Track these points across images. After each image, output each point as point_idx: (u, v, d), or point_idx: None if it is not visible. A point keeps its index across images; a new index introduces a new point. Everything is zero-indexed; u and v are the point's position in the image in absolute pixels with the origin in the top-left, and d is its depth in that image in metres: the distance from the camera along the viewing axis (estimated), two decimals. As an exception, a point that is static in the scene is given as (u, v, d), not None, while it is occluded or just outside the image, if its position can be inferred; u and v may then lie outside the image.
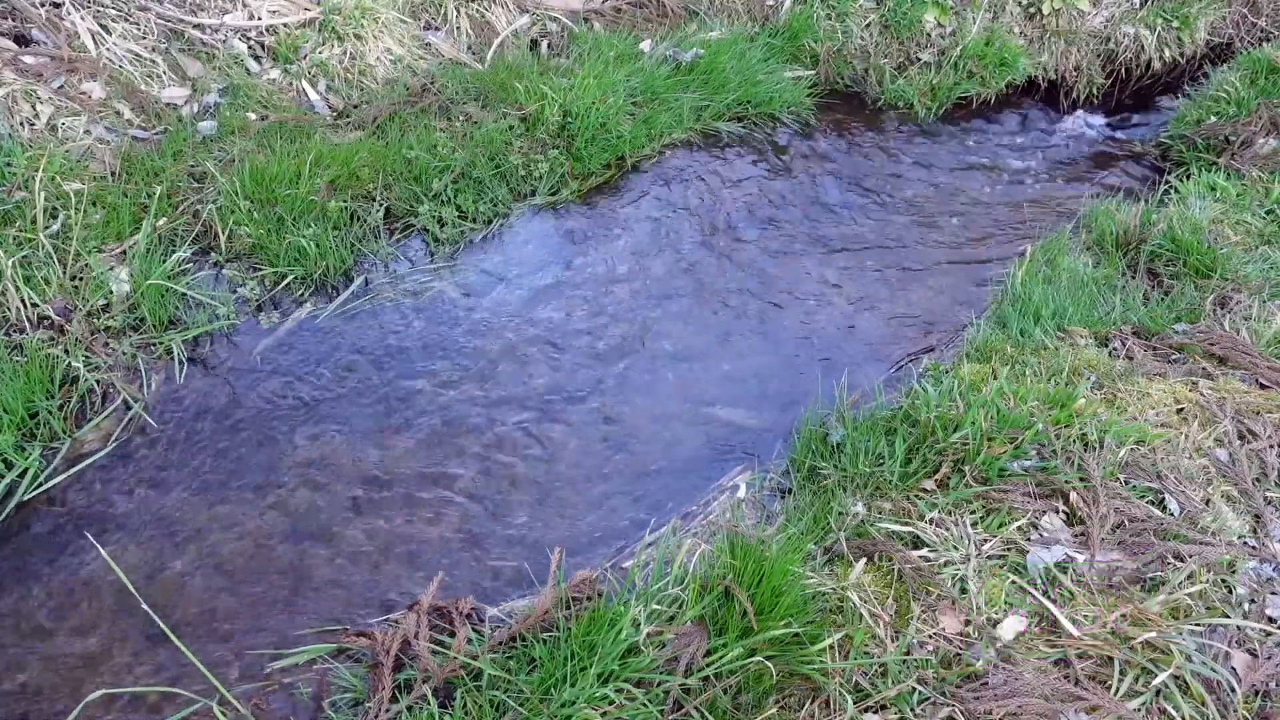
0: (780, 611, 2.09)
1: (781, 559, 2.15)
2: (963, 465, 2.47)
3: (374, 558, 2.54)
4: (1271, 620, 2.08)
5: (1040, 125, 5.43)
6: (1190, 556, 2.18)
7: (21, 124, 3.51)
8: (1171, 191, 4.27)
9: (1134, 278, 3.65)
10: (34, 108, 3.57)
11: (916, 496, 2.45)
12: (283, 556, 2.52)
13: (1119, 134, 5.42)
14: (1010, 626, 2.09)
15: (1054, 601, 2.13)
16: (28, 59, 3.69)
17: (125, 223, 3.31)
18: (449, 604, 2.26)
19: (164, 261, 3.22)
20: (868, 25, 5.34)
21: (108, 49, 3.95)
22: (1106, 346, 3.09)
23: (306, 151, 3.66)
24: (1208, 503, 2.38)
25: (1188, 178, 4.35)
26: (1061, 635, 2.06)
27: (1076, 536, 2.28)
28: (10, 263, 2.97)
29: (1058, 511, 2.36)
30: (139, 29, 4.09)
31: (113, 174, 3.52)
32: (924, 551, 2.28)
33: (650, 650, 2.03)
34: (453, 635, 2.17)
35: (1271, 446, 2.54)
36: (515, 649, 2.12)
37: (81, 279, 3.12)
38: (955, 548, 2.28)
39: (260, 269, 3.40)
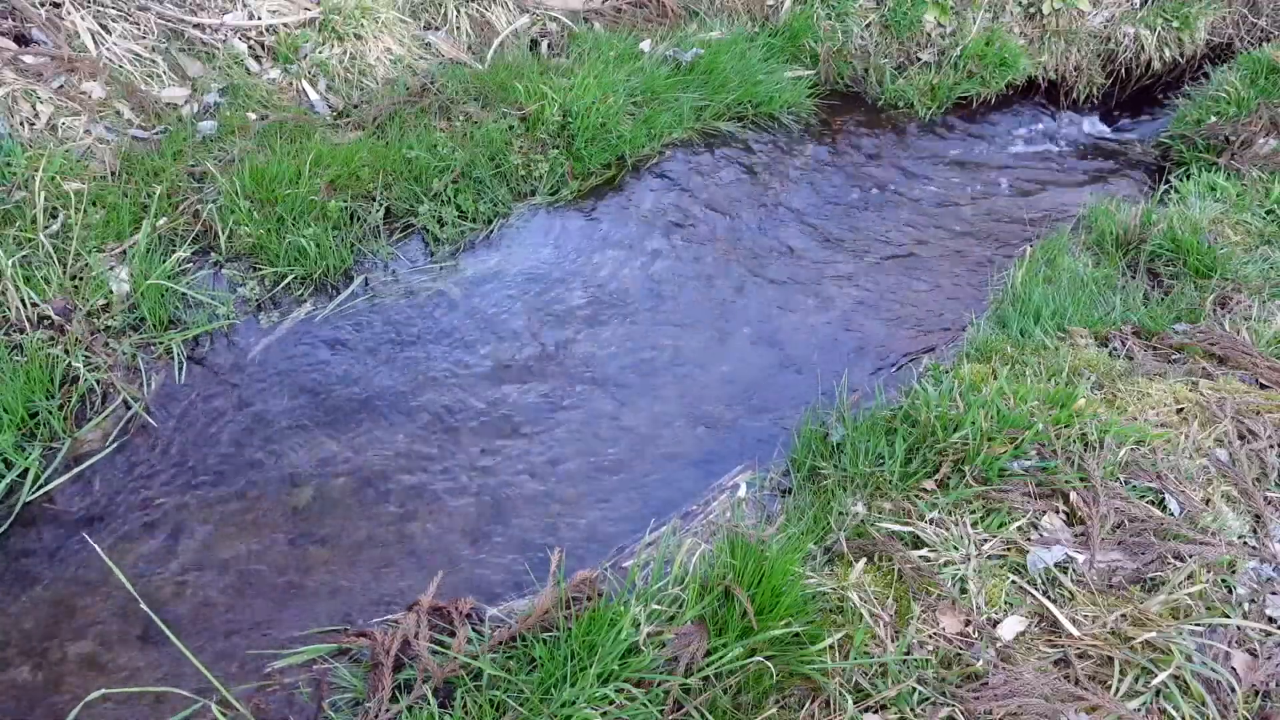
0: (780, 611, 2.09)
1: (781, 559, 2.15)
2: (963, 465, 2.47)
3: (374, 557, 2.54)
4: (1271, 620, 2.08)
5: (1040, 125, 5.43)
6: (1190, 556, 2.18)
7: (21, 124, 3.50)
8: (1171, 191, 4.27)
9: (1134, 278, 3.65)
10: (34, 108, 3.57)
11: (916, 496, 2.44)
12: (283, 556, 2.52)
13: (1119, 134, 5.42)
14: (1010, 626, 2.09)
15: (1054, 601, 2.13)
16: (28, 59, 3.68)
17: (125, 222, 3.31)
18: (449, 604, 2.26)
19: (164, 261, 3.22)
20: (868, 25, 5.35)
21: (108, 49, 3.95)
22: (1106, 346, 3.09)
23: (306, 151, 3.66)
24: (1208, 503, 2.38)
25: (1188, 178, 4.35)
26: (1061, 635, 2.06)
27: (1076, 536, 2.28)
28: (10, 263, 2.97)
29: (1058, 511, 2.36)
30: (139, 29, 4.09)
31: (113, 174, 3.52)
32: (924, 551, 2.28)
33: (650, 650, 2.02)
34: (453, 635, 2.17)
35: (1271, 446, 2.54)
36: (515, 649, 2.12)
37: (81, 279, 3.12)
38: (955, 548, 2.28)
39: (260, 269, 3.40)
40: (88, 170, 3.48)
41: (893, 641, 2.09)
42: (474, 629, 2.22)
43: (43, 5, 3.88)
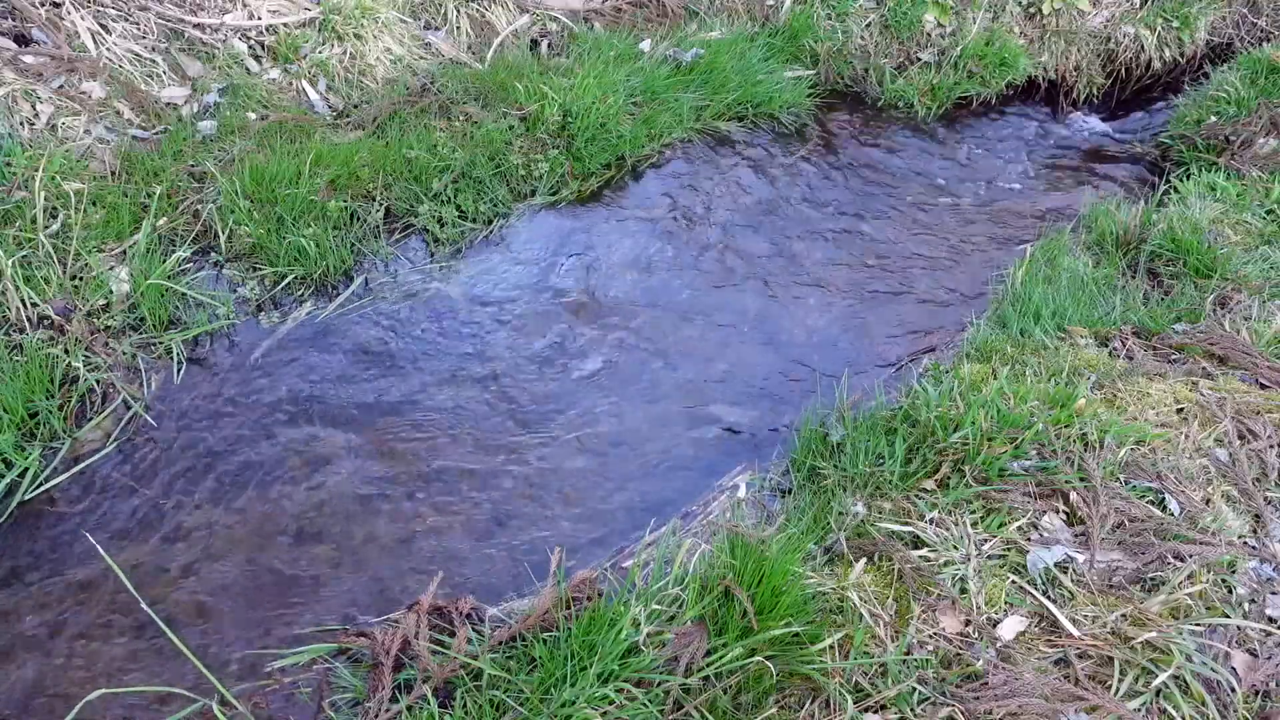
0: (780, 611, 2.09)
1: (781, 559, 2.15)
2: (963, 465, 2.47)
3: (374, 557, 2.54)
4: (1271, 620, 2.08)
5: (1040, 125, 5.43)
6: (1190, 556, 2.18)
7: (21, 124, 3.50)
8: (1171, 191, 4.27)
9: (1134, 278, 3.65)
10: (34, 107, 3.57)
11: (916, 496, 2.45)
12: (283, 556, 2.52)
13: (1119, 134, 5.42)
14: (1010, 626, 2.09)
15: (1054, 601, 2.13)
16: (28, 59, 3.68)
17: (125, 222, 3.31)
18: (449, 604, 2.26)
19: (164, 261, 3.22)
20: (868, 25, 5.34)
21: (108, 49, 3.95)
22: (1106, 346, 3.09)
23: (306, 151, 3.65)
24: (1208, 503, 2.38)
25: (1188, 178, 4.35)
26: (1061, 635, 2.06)
27: (1076, 536, 2.28)
28: (10, 263, 2.97)
29: (1058, 511, 2.36)
30: (139, 29, 4.09)
31: (113, 174, 3.52)
32: (924, 551, 2.28)
33: (650, 650, 2.02)
34: (453, 635, 2.17)
35: (1271, 446, 2.54)
36: (515, 649, 2.12)
37: (81, 279, 3.12)
38: (955, 548, 2.28)
39: (260, 269, 3.40)
40: (88, 170, 3.47)
41: (893, 641, 2.09)
42: (474, 629, 2.22)
43: (43, 5, 3.88)
